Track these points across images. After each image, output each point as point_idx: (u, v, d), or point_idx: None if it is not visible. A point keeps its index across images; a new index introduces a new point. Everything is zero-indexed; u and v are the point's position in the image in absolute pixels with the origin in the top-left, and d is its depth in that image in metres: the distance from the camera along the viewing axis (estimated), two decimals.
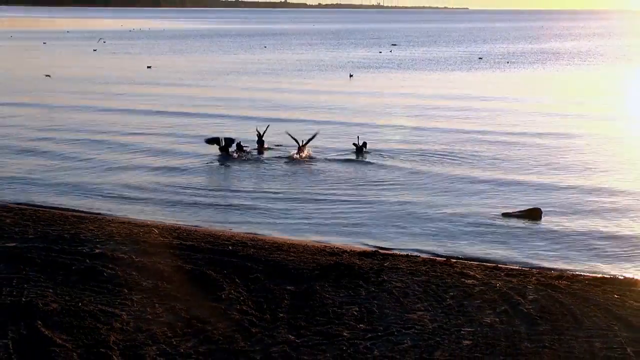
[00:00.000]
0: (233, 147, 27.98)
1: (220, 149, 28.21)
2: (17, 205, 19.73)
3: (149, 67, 65.71)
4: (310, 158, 26.46)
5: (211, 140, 28.58)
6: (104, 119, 35.76)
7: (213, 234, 16.96)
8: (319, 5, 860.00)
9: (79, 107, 39.59)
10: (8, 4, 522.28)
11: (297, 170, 24.89)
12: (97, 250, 14.48)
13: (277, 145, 28.49)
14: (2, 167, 24.90)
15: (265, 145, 28.75)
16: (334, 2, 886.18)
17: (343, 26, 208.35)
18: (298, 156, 26.66)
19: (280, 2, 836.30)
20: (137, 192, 21.86)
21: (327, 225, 18.73)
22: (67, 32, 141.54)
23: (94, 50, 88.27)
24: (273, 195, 21.56)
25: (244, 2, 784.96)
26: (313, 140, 27.14)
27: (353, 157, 26.68)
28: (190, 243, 15.57)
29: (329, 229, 18.37)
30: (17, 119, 35.60)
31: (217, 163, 26.23)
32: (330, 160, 26.21)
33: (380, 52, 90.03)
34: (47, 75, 55.46)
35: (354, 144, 27.69)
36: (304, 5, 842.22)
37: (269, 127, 28.84)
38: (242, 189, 22.60)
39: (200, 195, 21.62)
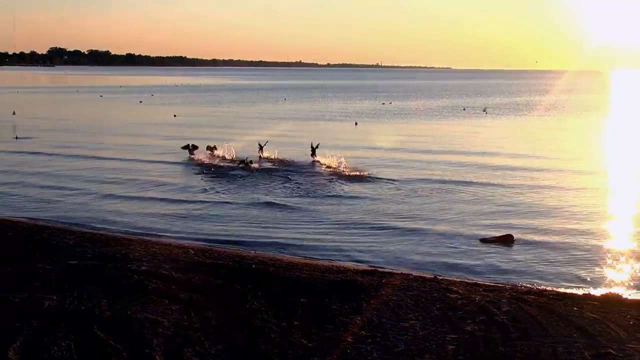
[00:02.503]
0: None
1: (189, 151, 35.52)
2: (78, 229, 19.79)
3: (175, 115, 66.06)
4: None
5: (185, 147, 36.04)
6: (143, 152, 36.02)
7: (239, 255, 16.96)
8: (328, 65, 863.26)
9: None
10: (77, 64, 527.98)
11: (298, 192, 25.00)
12: (143, 268, 14.51)
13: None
14: (71, 196, 25.04)
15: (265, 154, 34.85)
16: (340, 62, 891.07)
17: (348, 82, 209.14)
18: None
19: (296, 62, 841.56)
20: (173, 217, 21.98)
21: (331, 246, 18.79)
22: (120, 87, 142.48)
23: (140, 102, 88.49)
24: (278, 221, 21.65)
25: (266, 62, 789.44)
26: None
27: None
28: (221, 262, 15.58)
29: (334, 251, 18.42)
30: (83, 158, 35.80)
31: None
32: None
33: (383, 104, 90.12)
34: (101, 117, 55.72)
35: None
36: (316, 65, 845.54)
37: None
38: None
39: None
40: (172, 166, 32.98)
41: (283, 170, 31.36)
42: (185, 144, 36.75)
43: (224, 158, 34.43)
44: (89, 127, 53.64)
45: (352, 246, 18.82)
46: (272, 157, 34.58)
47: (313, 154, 34.23)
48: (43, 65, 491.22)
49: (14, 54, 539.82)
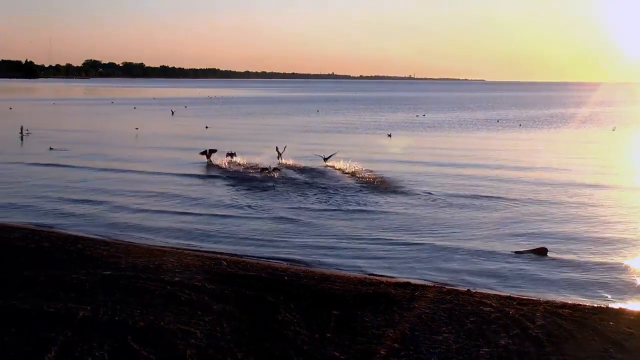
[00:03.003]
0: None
1: (206, 156, 37.56)
2: (113, 240, 19.99)
3: (206, 127, 66.43)
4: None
5: (203, 152, 37.98)
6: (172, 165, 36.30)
7: (271, 266, 17.01)
8: (361, 77, 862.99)
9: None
10: (111, 76, 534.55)
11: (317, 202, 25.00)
12: (176, 279, 14.61)
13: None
14: (104, 208, 25.31)
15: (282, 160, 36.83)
16: (373, 74, 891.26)
17: (381, 94, 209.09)
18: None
19: (328, 74, 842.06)
20: (204, 229, 22.10)
21: (364, 259, 18.78)
22: (154, 99, 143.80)
23: (172, 113, 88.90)
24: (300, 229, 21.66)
25: (298, 74, 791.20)
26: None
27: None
28: (253, 273, 15.64)
29: (366, 263, 18.41)
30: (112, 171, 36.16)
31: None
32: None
33: (417, 116, 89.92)
34: (136, 128, 56.06)
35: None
36: (348, 77, 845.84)
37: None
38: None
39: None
40: (203, 179, 33.12)
41: (307, 178, 31.76)
42: (203, 150, 38.69)
43: (243, 164, 36.21)
44: (121, 139, 54.16)
45: (385, 258, 18.79)
46: (290, 163, 36.53)
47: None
48: (78, 78, 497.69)
49: (50, 66, 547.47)
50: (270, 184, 30.40)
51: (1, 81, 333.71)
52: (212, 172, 34.67)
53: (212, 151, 37.84)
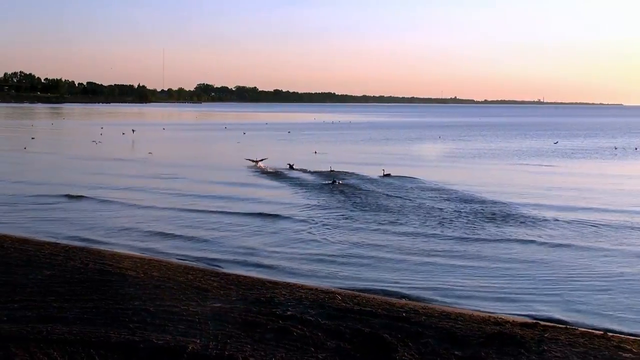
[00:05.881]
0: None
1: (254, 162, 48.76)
2: (223, 271, 20.35)
3: (315, 152, 67.06)
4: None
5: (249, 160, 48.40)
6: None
7: (388, 302, 16.91)
8: (485, 101, 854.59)
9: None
10: (223, 100, 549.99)
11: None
12: (288, 313, 14.74)
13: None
14: (214, 236, 25.81)
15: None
16: (499, 98, 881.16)
17: (507, 119, 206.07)
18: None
19: (450, 98, 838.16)
20: (316, 260, 22.22)
21: (488, 294, 18.48)
22: (266, 124, 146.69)
23: (289, 132, 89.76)
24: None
25: (419, 98, 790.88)
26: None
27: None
28: (369, 309, 15.58)
29: (489, 297, 18.13)
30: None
31: None
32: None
33: (556, 143, 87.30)
34: (252, 160, 56.94)
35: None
36: (472, 101, 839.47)
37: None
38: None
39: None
40: (312, 198, 33.33)
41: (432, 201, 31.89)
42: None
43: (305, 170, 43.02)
44: (228, 163, 55.45)
45: (512, 295, 18.43)
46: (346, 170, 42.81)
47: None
48: (191, 102, 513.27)
49: (162, 90, 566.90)
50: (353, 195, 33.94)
51: (114, 106, 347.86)
52: (322, 200, 34.78)
53: (261, 160, 47.35)
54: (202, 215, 30.59)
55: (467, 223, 28.14)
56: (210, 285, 17.46)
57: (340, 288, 18.86)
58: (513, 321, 15.43)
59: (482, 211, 30.78)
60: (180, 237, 25.96)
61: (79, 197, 35.01)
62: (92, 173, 47.40)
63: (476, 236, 25.83)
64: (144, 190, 39.00)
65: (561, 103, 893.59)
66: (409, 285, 19.35)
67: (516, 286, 19.36)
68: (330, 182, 40.36)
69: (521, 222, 28.37)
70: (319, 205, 33.01)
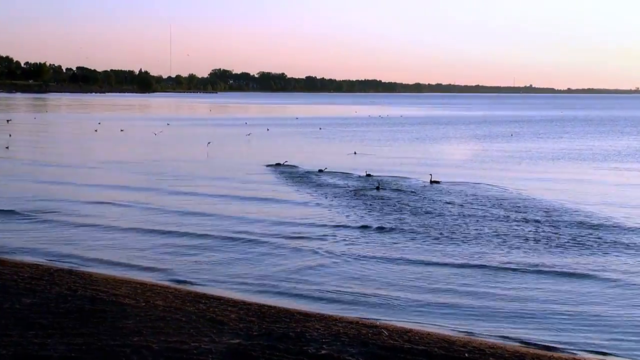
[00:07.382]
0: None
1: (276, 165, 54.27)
2: (242, 299, 20.32)
3: (355, 152, 68.40)
4: None
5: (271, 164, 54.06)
6: None
7: (447, 339, 16.79)
8: (568, 90, 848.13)
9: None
10: (243, 89, 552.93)
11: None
12: (323, 351, 14.65)
13: None
14: (229, 257, 25.82)
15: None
16: (585, 87, 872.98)
17: (596, 112, 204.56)
18: None
19: (525, 86, 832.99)
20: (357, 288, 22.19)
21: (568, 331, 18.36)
22: (296, 118, 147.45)
23: (320, 129, 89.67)
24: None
25: (484, 87, 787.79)
26: None
27: None
28: (423, 348, 15.47)
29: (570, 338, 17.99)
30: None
31: None
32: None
33: None
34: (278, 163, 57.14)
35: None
36: (552, 90, 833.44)
37: None
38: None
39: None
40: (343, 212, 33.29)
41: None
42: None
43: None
44: (243, 168, 55.67)
45: (595, 334, 18.30)
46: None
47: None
48: (204, 92, 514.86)
49: (169, 77, 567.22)
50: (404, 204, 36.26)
51: (110, 96, 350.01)
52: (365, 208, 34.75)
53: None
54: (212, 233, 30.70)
55: (564, 250, 27.20)
56: (227, 317, 17.43)
57: (388, 321, 18.79)
58: None
59: (581, 235, 29.75)
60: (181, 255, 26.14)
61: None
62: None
63: (566, 266, 25.58)
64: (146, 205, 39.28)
65: None
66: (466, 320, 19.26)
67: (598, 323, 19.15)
68: (372, 187, 42.29)
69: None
70: (350, 222, 32.88)
